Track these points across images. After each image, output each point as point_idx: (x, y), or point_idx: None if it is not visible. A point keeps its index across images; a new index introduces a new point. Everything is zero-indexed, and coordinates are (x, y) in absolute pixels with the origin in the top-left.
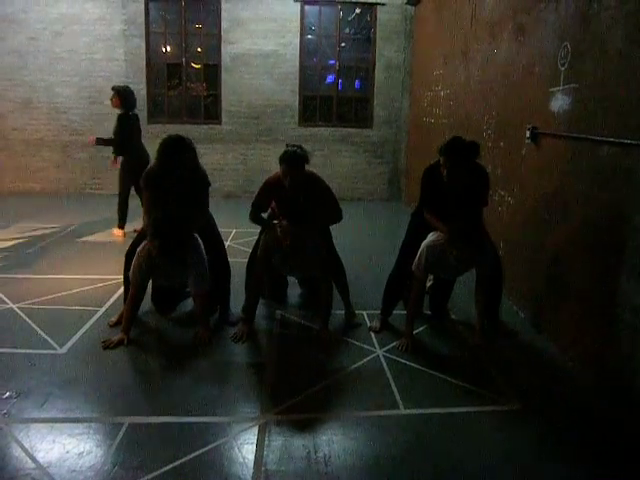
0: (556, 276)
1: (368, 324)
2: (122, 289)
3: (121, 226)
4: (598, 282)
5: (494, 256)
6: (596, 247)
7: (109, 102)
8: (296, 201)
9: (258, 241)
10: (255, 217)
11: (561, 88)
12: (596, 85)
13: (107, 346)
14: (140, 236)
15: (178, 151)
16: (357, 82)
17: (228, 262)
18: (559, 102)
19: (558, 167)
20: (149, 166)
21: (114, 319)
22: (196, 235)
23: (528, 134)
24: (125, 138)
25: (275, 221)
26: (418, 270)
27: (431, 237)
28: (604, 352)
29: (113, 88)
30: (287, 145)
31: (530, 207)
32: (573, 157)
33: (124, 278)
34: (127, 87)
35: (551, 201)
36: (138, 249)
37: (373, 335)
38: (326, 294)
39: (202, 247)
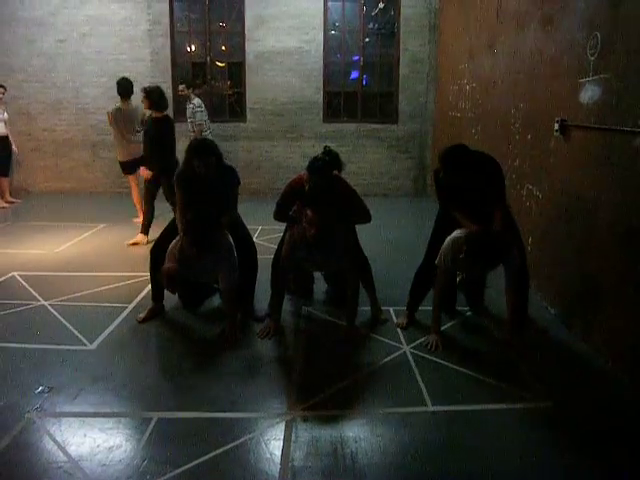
0: (587, 271)
1: (395, 320)
2: (150, 286)
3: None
4: (632, 277)
5: (520, 252)
6: (630, 241)
7: (137, 102)
8: (320, 205)
9: (283, 238)
10: (280, 216)
11: (591, 79)
12: (628, 75)
13: (142, 320)
14: (165, 232)
15: (201, 154)
16: (354, 73)
17: (257, 260)
18: (589, 93)
19: (588, 159)
20: (178, 168)
21: (142, 315)
22: (227, 232)
23: (557, 126)
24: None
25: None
26: (441, 265)
27: (456, 233)
28: (636, 350)
29: (143, 89)
30: (325, 148)
31: (559, 201)
32: (604, 149)
33: (151, 275)
34: (157, 87)
35: (581, 194)
36: (171, 245)
37: (400, 331)
38: (353, 289)
39: (232, 244)
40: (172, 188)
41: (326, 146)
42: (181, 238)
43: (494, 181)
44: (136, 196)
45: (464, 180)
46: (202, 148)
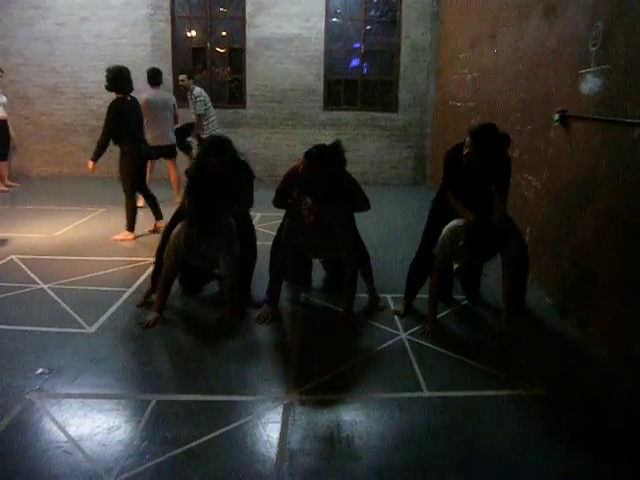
0: (584, 261)
1: (392, 308)
2: (150, 269)
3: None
4: (629, 268)
5: (519, 242)
6: (627, 232)
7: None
8: (319, 194)
9: (282, 225)
10: (279, 203)
11: (592, 70)
12: (629, 66)
13: (146, 326)
14: (176, 215)
15: (216, 154)
16: (355, 61)
17: (256, 247)
18: (589, 84)
19: (588, 150)
20: (191, 166)
21: (141, 299)
22: (231, 220)
23: (557, 117)
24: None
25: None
26: (439, 254)
27: (454, 222)
28: (633, 340)
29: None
30: (337, 140)
31: (558, 191)
32: (604, 140)
33: (156, 257)
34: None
35: (580, 185)
36: (174, 231)
37: (397, 318)
38: (350, 276)
39: (235, 231)
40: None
41: (337, 139)
42: (185, 221)
43: (508, 167)
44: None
45: (489, 160)
46: (217, 147)
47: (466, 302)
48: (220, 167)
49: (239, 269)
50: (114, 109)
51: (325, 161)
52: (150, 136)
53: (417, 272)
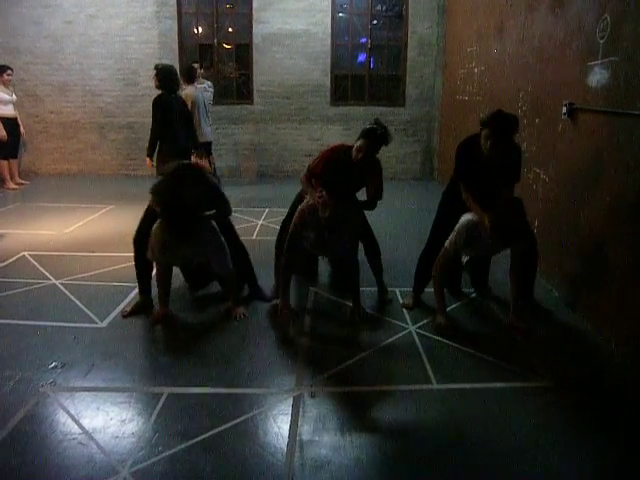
0: (592, 254)
1: (400, 301)
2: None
3: None
4: (636, 260)
5: (529, 235)
6: (635, 224)
7: (144, 84)
8: (352, 177)
9: (286, 220)
10: (308, 180)
11: (599, 62)
12: (636, 58)
13: (156, 321)
14: (144, 219)
15: (183, 186)
16: (362, 56)
17: (241, 241)
18: (597, 76)
19: (596, 143)
20: (157, 184)
21: (128, 309)
22: (212, 223)
23: (565, 110)
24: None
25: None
26: (451, 248)
27: (468, 217)
28: None
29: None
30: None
31: (566, 184)
32: (612, 132)
33: (136, 266)
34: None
35: (588, 178)
36: (150, 239)
37: (405, 312)
38: (353, 271)
39: (217, 229)
40: None
41: (376, 119)
42: (158, 228)
43: (519, 158)
44: None
45: (508, 144)
46: (189, 180)
47: (474, 295)
48: (191, 199)
49: (232, 268)
50: (159, 104)
51: (379, 140)
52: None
53: (426, 265)
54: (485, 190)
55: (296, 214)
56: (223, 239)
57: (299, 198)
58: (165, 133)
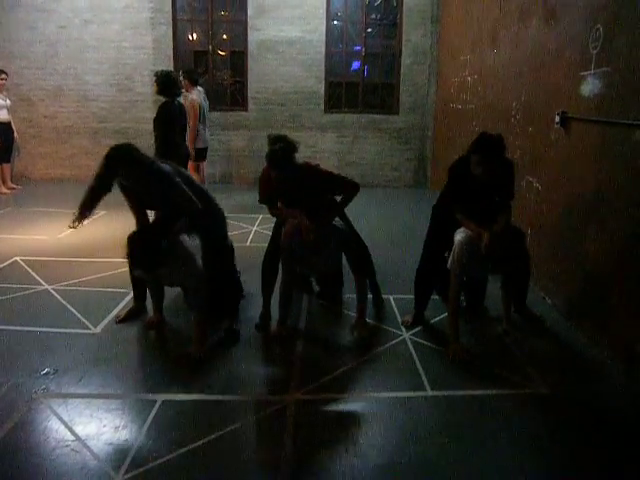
0: (586, 262)
1: (394, 308)
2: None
3: None
4: (631, 269)
5: (523, 253)
6: (628, 233)
7: (138, 89)
8: (298, 197)
9: (272, 238)
10: (274, 210)
11: (592, 72)
12: (629, 68)
13: (149, 326)
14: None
15: (115, 166)
16: (356, 63)
17: (233, 273)
18: (590, 86)
19: (588, 152)
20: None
21: (122, 315)
22: (181, 241)
23: (557, 119)
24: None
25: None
26: (457, 267)
27: (462, 233)
28: (635, 340)
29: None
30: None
31: (558, 193)
32: (604, 142)
33: (129, 271)
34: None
35: (580, 187)
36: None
37: (399, 318)
38: (359, 283)
39: (190, 254)
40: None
41: (269, 135)
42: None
43: (511, 174)
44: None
45: (498, 165)
46: (118, 158)
47: (464, 304)
48: (129, 179)
49: (202, 300)
50: (164, 111)
51: (275, 162)
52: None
53: (423, 281)
54: (481, 209)
55: (282, 237)
56: (198, 267)
57: (279, 225)
58: (167, 139)
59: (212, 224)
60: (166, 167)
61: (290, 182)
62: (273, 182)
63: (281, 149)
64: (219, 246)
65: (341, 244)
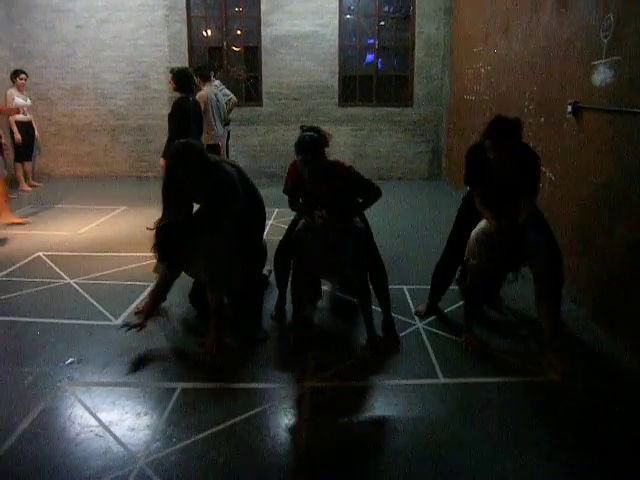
0: (600, 254)
1: (408, 298)
2: None
3: None
4: None
5: (553, 252)
6: None
7: (154, 87)
8: (323, 193)
9: (287, 233)
10: (295, 205)
11: (604, 61)
12: None
13: (138, 312)
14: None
15: (180, 162)
16: (369, 56)
17: (260, 274)
18: (601, 75)
19: (601, 141)
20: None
21: (142, 307)
22: (225, 235)
23: (570, 109)
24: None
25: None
26: (472, 260)
27: (481, 225)
28: None
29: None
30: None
31: (572, 183)
32: (616, 131)
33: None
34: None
35: (594, 176)
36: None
37: (412, 309)
38: (363, 297)
39: (224, 245)
40: None
41: (302, 125)
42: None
43: (535, 167)
44: None
45: (516, 152)
46: (180, 154)
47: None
48: (187, 175)
49: (228, 284)
50: (179, 107)
51: (301, 146)
52: (206, 135)
53: (442, 273)
54: (499, 198)
55: (295, 231)
56: (228, 258)
57: (296, 220)
58: (181, 135)
59: (254, 227)
60: (231, 170)
61: (319, 177)
62: (300, 174)
63: (310, 137)
64: (253, 245)
65: (359, 245)
